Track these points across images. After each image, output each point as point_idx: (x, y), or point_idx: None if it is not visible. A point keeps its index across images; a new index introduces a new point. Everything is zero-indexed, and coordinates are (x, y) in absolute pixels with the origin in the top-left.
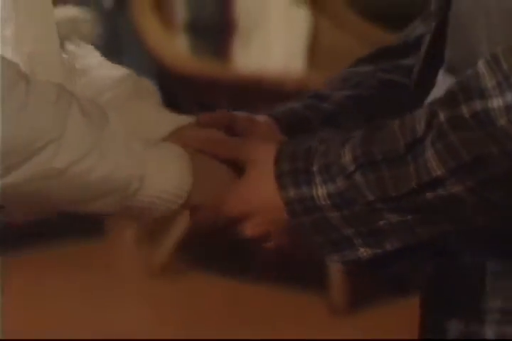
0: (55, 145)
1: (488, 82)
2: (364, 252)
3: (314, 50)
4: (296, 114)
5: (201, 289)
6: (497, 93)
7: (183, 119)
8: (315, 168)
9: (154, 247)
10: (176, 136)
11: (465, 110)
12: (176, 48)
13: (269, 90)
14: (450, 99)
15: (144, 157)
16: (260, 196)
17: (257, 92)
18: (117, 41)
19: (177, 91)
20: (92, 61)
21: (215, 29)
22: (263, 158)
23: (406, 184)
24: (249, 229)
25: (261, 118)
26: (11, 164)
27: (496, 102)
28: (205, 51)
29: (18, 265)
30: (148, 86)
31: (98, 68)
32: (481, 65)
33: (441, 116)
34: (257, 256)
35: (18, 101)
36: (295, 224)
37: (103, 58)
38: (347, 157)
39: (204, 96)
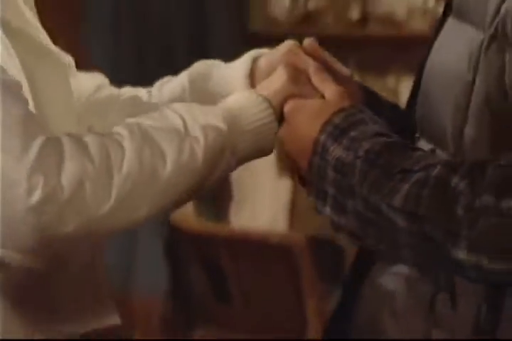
0: (162, 164)
1: (486, 180)
2: (328, 212)
3: (294, 213)
4: (381, 110)
5: None
6: (484, 191)
7: (255, 51)
8: (351, 134)
9: None
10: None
11: (455, 180)
12: (184, 213)
13: (257, 244)
14: (459, 165)
15: (223, 118)
16: (308, 123)
17: (248, 245)
18: None
19: (183, 245)
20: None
21: (215, 197)
22: (335, 102)
23: (376, 193)
24: (282, 133)
25: (356, 83)
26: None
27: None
28: (207, 214)
29: None
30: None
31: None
32: (491, 168)
33: (437, 170)
34: None
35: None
36: (309, 158)
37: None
38: (367, 145)
39: (205, 250)
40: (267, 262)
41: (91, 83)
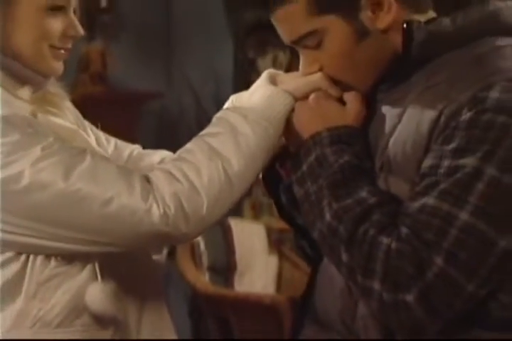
0: (229, 165)
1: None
2: (293, 178)
3: (279, 281)
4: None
5: None
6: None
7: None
8: (343, 146)
9: None
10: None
11: (374, 216)
12: (202, 280)
13: (253, 303)
14: (390, 212)
15: (262, 115)
16: (324, 115)
17: (247, 304)
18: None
19: (201, 305)
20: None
21: (224, 270)
22: (352, 116)
23: (329, 190)
24: (300, 107)
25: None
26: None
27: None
28: (218, 282)
29: None
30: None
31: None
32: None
33: (371, 201)
34: None
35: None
36: (306, 138)
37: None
38: (348, 158)
39: (217, 307)
40: (260, 317)
41: (156, 158)
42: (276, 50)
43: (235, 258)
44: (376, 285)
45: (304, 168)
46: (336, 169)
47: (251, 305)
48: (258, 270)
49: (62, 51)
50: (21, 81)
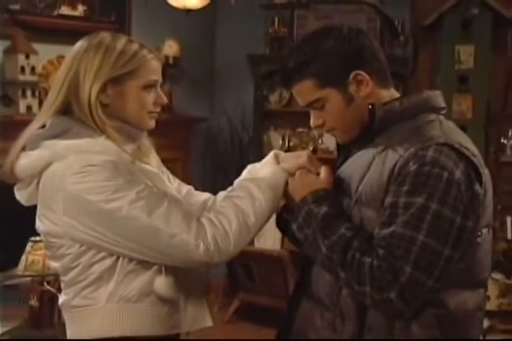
0: (249, 218)
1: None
2: (294, 227)
3: (283, 241)
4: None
5: None
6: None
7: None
8: (321, 201)
9: None
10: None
11: (355, 244)
12: None
13: (266, 256)
14: (369, 242)
15: (269, 185)
16: (308, 184)
17: (262, 256)
18: None
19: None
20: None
21: None
22: (325, 182)
23: (319, 232)
24: (291, 181)
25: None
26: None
27: (369, 259)
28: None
29: None
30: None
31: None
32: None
33: (349, 235)
34: None
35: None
36: (297, 201)
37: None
38: (326, 210)
39: (243, 257)
40: (271, 264)
41: (203, 197)
42: (282, 89)
43: None
44: (367, 290)
45: (300, 219)
46: (320, 217)
47: (265, 257)
48: (269, 233)
49: (155, 114)
50: (127, 138)
